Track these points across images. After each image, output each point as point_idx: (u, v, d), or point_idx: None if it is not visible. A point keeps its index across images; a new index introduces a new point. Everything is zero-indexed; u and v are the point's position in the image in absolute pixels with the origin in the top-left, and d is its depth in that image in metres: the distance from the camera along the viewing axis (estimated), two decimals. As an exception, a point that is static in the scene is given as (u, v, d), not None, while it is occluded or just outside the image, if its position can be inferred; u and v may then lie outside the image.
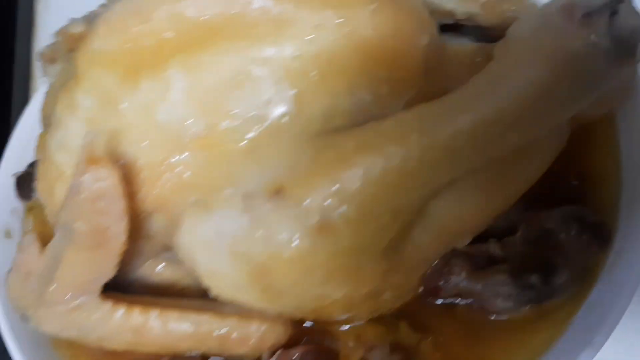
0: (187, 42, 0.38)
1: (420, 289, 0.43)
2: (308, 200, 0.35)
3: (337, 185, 0.35)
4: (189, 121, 0.38)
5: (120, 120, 0.39)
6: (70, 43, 0.49)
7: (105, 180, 0.38)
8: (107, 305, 0.42)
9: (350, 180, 0.34)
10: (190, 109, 0.38)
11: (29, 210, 0.54)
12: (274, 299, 0.39)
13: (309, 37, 0.37)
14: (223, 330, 0.42)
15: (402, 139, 0.35)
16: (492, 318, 0.42)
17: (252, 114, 0.37)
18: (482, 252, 0.42)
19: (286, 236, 0.36)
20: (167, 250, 0.44)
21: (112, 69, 0.39)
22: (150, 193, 0.40)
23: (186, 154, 0.39)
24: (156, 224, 0.42)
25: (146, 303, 0.43)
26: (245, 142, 0.38)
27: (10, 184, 0.53)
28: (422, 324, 0.43)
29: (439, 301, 0.43)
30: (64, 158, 0.42)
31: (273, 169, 0.37)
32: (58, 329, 0.43)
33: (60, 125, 0.42)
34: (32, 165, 0.53)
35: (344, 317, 0.41)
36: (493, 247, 0.42)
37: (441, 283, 0.42)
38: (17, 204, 0.54)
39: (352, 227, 0.35)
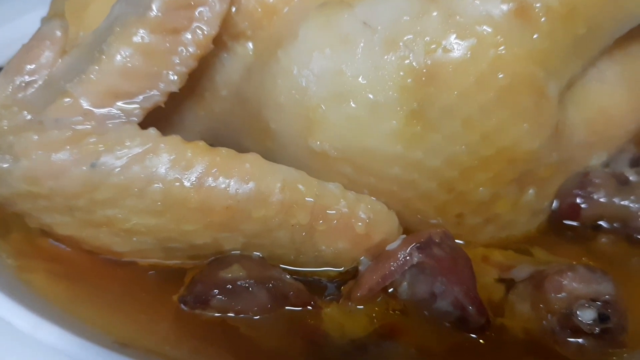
0: None
1: (555, 207, 0.34)
2: None
3: None
4: None
5: None
6: None
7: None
8: (152, 135, 0.28)
9: None
10: None
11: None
12: (418, 137, 0.28)
13: None
14: (320, 200, 0.28)
15: None
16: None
17: None
18: (615, 174, 0.35)
19: (473, 16, 0.27)
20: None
21: None
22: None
23: None
24: (249, 50, 0.31)
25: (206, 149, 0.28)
26: None
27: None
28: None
29: (576, 224, 0.34)
30: None
31: None
32: (50, 167, 0.27)
33: None
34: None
35: (486, 196, 0.30)
36: (627, 170, 0.35)
37: (580, 200, 0.34)
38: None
39: (551, 22, 0.28)
